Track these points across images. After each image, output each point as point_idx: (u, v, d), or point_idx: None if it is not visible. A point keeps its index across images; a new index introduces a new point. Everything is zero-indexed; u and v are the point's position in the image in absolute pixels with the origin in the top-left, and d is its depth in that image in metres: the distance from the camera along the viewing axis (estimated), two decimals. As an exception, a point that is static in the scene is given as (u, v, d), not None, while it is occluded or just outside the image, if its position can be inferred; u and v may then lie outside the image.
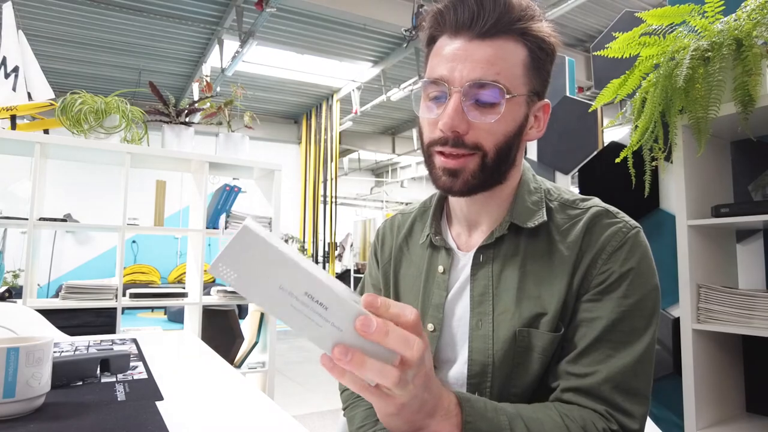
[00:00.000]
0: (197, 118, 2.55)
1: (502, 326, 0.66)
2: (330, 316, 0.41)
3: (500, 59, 0.62)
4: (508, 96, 0.61)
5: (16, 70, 2.13)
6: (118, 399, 0.67)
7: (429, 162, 0.67)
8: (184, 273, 3.04)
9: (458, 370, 0.69)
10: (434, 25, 0.66)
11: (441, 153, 0.64)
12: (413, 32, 4.83)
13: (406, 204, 13.79)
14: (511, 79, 0.62)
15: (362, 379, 0.44)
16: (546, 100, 0.69)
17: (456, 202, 0.75)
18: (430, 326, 0.72)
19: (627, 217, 0.68)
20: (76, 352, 0.94)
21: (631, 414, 0.60)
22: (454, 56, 0.62)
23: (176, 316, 7.02)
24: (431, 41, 0.68)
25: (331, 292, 0.41)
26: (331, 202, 9.40)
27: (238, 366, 2.44)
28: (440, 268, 0.74)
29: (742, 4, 1.39)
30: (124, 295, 2.21)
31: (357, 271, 10.81)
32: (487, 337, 0.67)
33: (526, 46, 0.64)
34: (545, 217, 0.69)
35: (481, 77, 0.61)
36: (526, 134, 0.68)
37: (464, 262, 0.72)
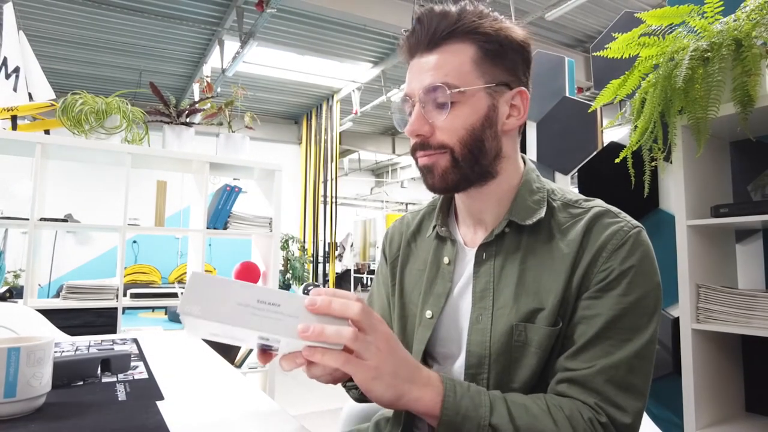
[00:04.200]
0: (198, 118, 2.55)
1: (500, 320, 0.68)
2: (284, 310, 0.51)
3: (446, 62, 0.68)
4: (452, 91, 0.67)
5: (17, 70, 2.13)
6: (119, 399, 0.67)
7: (417, 167, 0.74)
8: (185, 273, 3.04)
9: (460, 364, 0.71)
10: (402, 54, 0.75)
11: (420, 156, 0.71)
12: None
13: (406, 204, 13.83)
14: (461, 76, 0.67)
15: (338, 354, 0.51)
16: (521, 87, 0.71)
17: (459, 200, 0.78)
18: (428, 313, 0.74)
19: (629, 218, 0.69)
20: (77, 352, 0.94)
21: (623, 408, 0.60)
22: (413, 73, 0.71)
23: (177, 316, 6.99)
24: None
25: (276, 292, 0.52)
26: (332, 203, 9.39)
27: (239, 366, 2.44)
28: (446, 260, 0.76)
29: (742, 5, 1.39)
30: (124, 295, 2.22)
31: (357, 271, 10.82)
32: (485, 330, 0.68)
33: (474, 43, 0.68)
34: (543, 214, 0.70)
35: (431, 82, 0.67)
36: (504, 124, 0.71)
37: (470, 256, 0.74)
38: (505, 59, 0.69)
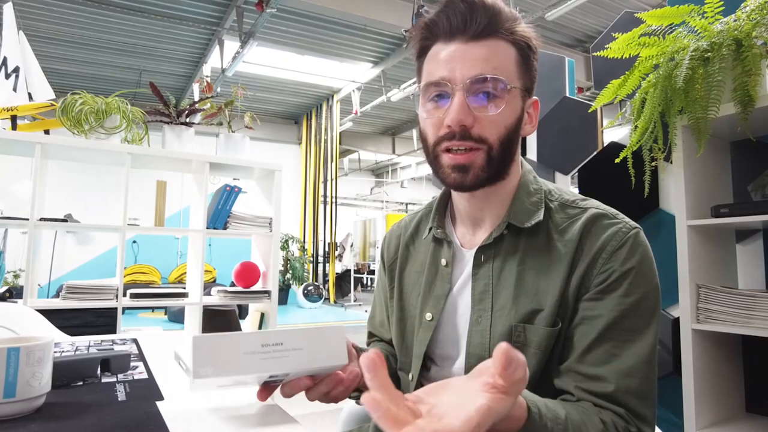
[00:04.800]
0: (198, 118, 2.55)
1: (500, 322, 0.68)
2: (287, 346, 0.55)
3: (495, 57, 0.66)
4: (509, 86, 0.66)
5: (16, 70, 2.13)
6: (119, 399, 0.67)
7: (436, 162, 0.70)
8: (185, 273, 3.04)
9: (459, 365, 0.71)
10: (426, 36, 0.70)
11: (448, 150, 0.67)
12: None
13: (406, 204, 13.82)
14: (507, 74, 0.67)
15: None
16: (535, 97, 0.73)
17: (459, 201, 0.77)
18: (428, 315, 0.74)
19: (627, 219, 0.70)
20: (77, 352, 0.94)
21: (646, 419, 0.61)
22: (452, 58, 0.66)
23: (177, 317, 7.02)
24: (423, 52, 0.72)
25: (275, 332, 0.54)
26: (332, 203, 9.40)
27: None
28: (443, 261, 0.76)
29: (742, 5, 1.39)
30: (124, 295, 2.21)
31: (357, 271, 10.82)
32: (485, 332, 0.68)
33: (515, 46, 0.68)
34: (542, 217, 0.71)
35: (481, 72, 0.65)
36: (522, 129, 0.71)
37: (468, 257, 0.74)
38: (531, 67, 0.70)
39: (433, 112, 0.68)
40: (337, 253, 10.58)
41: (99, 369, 0.79)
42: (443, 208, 0.82)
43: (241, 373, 0.52)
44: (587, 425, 0.57)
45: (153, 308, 7.73)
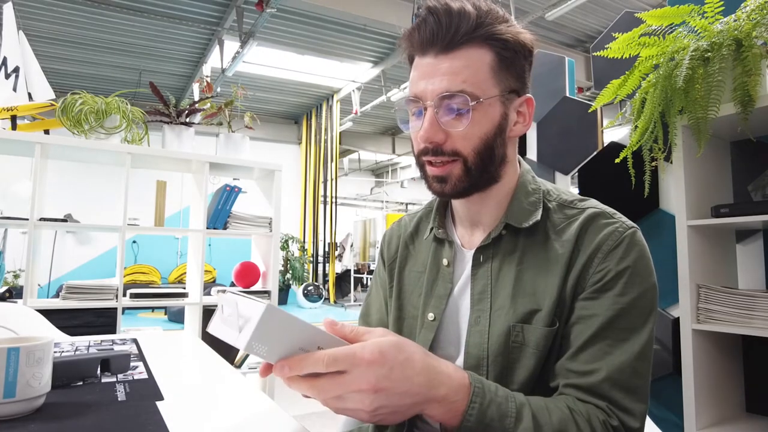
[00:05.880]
0: (198, 118, 2.55)
1: (498, 322, 0.68)
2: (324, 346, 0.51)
3: (465, 68, 0.65)
4: (473, 102, 0.65)
5: (16, 70, 2.13)
6: (119, 399, 0.67)
7: (422, 170, 0.72)
8: (185, 273, 3.04)
9: (458, 365, 0.70)
10: (408, 46, 0.71)
11: (429, 162, 0.69)
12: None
13: (406, 204, 13.82)
14: (479, 84, 0.65)
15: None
16: (528, 95, 0.71)
17: (456, 203, 0.78)
18: (430, 315, 0.75)
19: (624, 218, 0.70)
20: (77, 352, 0.94)
21: (631, 411, 0.60)
22: (424, 73, 0.67)
23: (177, 317, 7.02)
24: (411, 60, 0.72)
25: (332, 338, 0.51)
26: (331, 203, 9.40)
27: (239, 366, 2.44)
28: (444, 261, 0.76)
29: (742, 5, 1.39)
30: (124, 295, 2.21)
31: (357, 271, 10.81)
32: (483, 332, 0.68)
33: (492, 49, 0.66)
34: (539, 217, 0.71)
35: (448, 88, 0.65)
36: (511, 131, 0.71)
37: (468, 257, 0.75)
38: (517, 66, 0.68)
39: (415, 126, 0.70)
40: (337, 253, 10.58)
41: (99, 369, 0.80)
42: (443, 208, 0.82)
43: (276, 360, 0.49)
44: (550, 410, 0.58)
45: (153, 308, 7.72)
